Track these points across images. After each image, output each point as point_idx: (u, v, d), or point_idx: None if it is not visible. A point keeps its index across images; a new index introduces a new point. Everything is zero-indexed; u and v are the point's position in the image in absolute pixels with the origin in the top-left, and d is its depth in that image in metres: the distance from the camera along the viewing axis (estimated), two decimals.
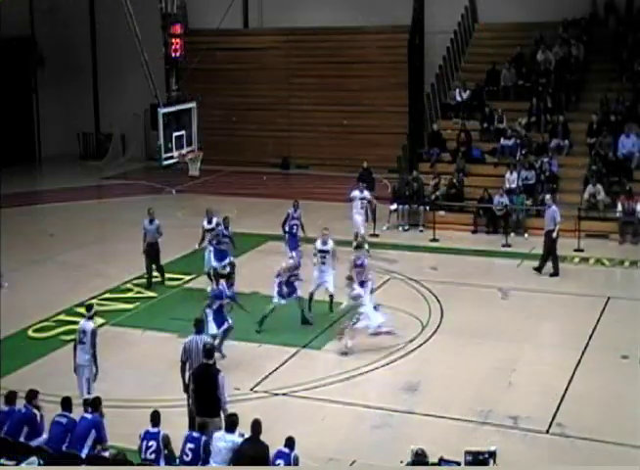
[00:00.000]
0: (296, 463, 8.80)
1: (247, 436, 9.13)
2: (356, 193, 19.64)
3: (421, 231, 21.14)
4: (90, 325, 11.69)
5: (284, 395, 12.52)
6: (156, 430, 9.25)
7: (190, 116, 20.59)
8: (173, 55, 20.72)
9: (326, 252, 15.61)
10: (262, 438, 9.07)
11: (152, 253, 17.32)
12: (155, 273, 17.47)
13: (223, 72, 29.13)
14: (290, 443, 8.94)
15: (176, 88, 20.88)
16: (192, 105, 20.73)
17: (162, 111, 19.61)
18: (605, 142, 21.84)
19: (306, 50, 28.90)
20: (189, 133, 20.43)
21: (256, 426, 9.07)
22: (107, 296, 16.75)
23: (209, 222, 17.08)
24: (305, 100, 28.65)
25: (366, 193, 19.73)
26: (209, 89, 28.18)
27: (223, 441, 9.14)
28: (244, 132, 29.01)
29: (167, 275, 17.69)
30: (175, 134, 19.93)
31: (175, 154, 20.00)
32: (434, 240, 20.26)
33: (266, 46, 29.64)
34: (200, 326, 11.53)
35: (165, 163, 20.08)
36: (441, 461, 9.43)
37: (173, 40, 20.73)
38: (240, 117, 29.06)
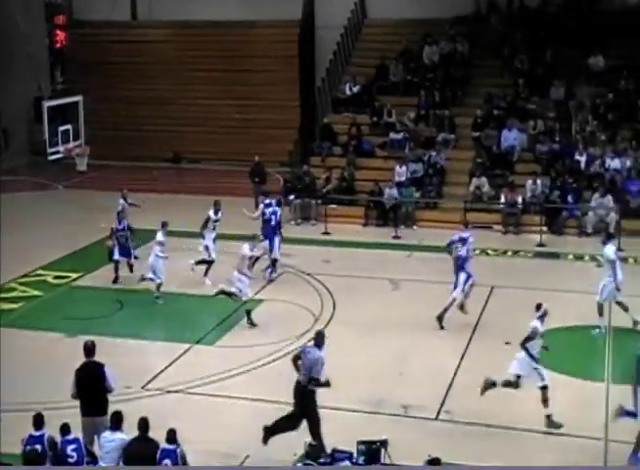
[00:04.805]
0: (183, 459, 8.71)
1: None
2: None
3: (313, 225, 21.33)
4: None
5: (177, 392, 12.41)
6: (39, 433, 8.97)
7: (76, 109, 20.10)
8: (57, 46, 20.14)
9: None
10: (156, 436, 8.97)
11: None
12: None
13: (113, 66, 28.50)
14: (171, 436, 8.77)
15: (61, 81, 20.34)
16: (78, 98, 20.25)
17: (47, 104, 19.06)
18: (489, 136, 22.59)
19: (198, 44, 28.61)
20: (75, 127, 19.94)
21: (143, 424, 8.94)
22: None
23: (216, 213, 16.89)
24: (197, 94, 28.35)
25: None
26: (99, 83, 27.56)
27: (110, 440, 8.99)
28: (134, 127, 28.44)
29: (54, 273, 17.24)
30: (61, 128, 19.42)
31: (61, 148, 19.49)
32: (326, 233, 20.47)
33: (157, 39, 29.20)
34: (320, 340, 10.73)
35: (51, 157, 19.55)
36: (334, 452, 9.59)
37: (57, 31, 20.15)
38: (130, 111, 28.50)
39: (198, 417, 11.66)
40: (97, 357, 10.20)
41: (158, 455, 8.68)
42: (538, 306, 11.77)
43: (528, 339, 11.42)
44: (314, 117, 25.95)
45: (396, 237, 20.35)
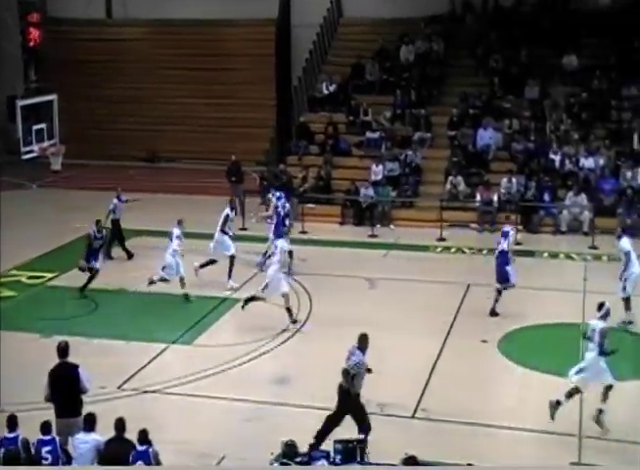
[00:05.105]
0: (155, 459, 8.67)
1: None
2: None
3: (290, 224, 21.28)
4: None
5: (153, 392, 12.36)
6: (13, 435, 8.89)
7: (51, 108, 19.94)
8: (31, 44, 19.96)
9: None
10: (133, 437, 8.92)
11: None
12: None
13: (88, 64, 28.32)
14: (142, 436, 8.72)
15: (35, 79, 20.17)
16: (52, 97, 20.07)
17: (21, 103, 18.90)
18: (464, 135, 22.71)
19: (174, 42, 28.52)
20: (50, 126, 19.78)
21: (120, 424, 8.91)
22: None
23: (232, 210, 16.94)
24: (173, 93, 28.23)
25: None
26: (73, 81, 27.37)
27: (84, 441, 8.94)
28: (109, 125, 28.27)
29: (28, 273, 17.10)
30: (35, 127, 19.26)
31: (35, 148, 19.33)
32: (303, 232, 20.46)
33: (132, 38, 29.07)
34: (363, 342, 10.57)
35: (26, 157, 19.39)
36: (312, 451, 9.60)
37: (31, 29, 19.97)
38: (105, 109, 28.32)
39: (174, 417, 11.64)
40: (73, 358, 10.13)
41: (130, 458, 8.63)
42: (600, 306, 11.52)
43: (603, 339, 11.10)
44: (291, 116, 25.95)
45: (373, 236, 20.40)
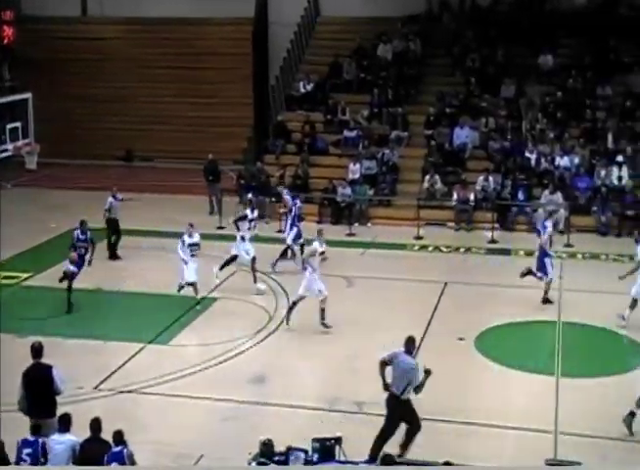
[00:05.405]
0: (130, 460, 8.62)
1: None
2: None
3: (267, 223, 21.27)
4: None
5: (130, 392, 12.30)
6: None
7: (26, 107, 19.76)
8: (4, 42, 19.76)
9: (195, 245, 15.64)
10: (109, 437, 8.87)
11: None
12: None
13: (63, 62, 28.09)
14: (117, 437, 8.67)
15: (9, 78, 19.97)
16: (27, 95, 19.89)
17: None
18: (441, 134, 22.80)
19: (150, 41, 28.37)
20: (25, 125, 19.60)
21: (95, 425, 8.86)
22: None
23: (252, 211, 16.81)
24: (149, 92, 28.10)
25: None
26: (49, 80, 27.14)
27: (59, 442, 8.88)
28: (86, 124, 28.08)
29: (3, 273, 16.95)
30: (9, 126, 19.09)
31: (10, 147, 19.15)
32: (281, 231, 20.42)
33: (108, 36, 28.89)
34: (411, 345, 10.44)
35: (0, 156, 19.21)
36: (289, 450, 9.59)
37: (4, 27, 19.77)
38: (82, 108, 28.12)
39: (151, 417, 11.59)
40: (48, 358, 10.07)
41: (105, 459, 8.57)
42: None
43: None
44: (268, 115, 25.90)
45: (350, 234, 20.43)
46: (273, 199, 21.58)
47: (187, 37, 28.06)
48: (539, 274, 15.64)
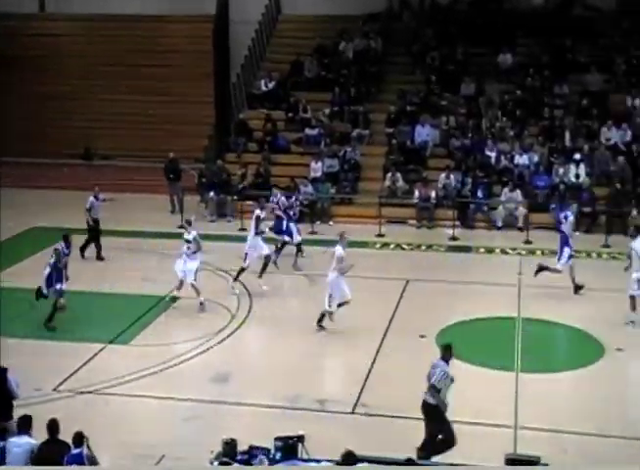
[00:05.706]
0: (90, 461, 8.52)
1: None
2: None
3: (229, 221, 21.22)
4: None
5: (90, 393, 12.17)
6: None
7: None
8: None
9: (187, 241, 15.53)
10: (69, 439, 8.77)
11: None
12: None
13: (20, 59, 27.63)
14: (76, 439, 8.55)
15: None
16: None
17: None
18: (402, 132, 22.91)
19: (110, 38, 28.02)
20: None
21: (53, 426, 8.75)
22: None
23: (262, 210, 16.71)
24: (109, 89, 27.75)
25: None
26: (4, 76, 26.70)
27: (17, 445, 8.75)
28: (43, 122, 27.65)
29: None
30: None
31: None
32: (243, 230, 20.36)
33: (66, 32, 28.51)
34: (447, 353, 10.29)
35: None
36: (252, 448, 9.56)
37: None
38: (39, 106, 27.71)
39: (112, 418, 11.47)
40: (5, 360, 9.93)
41: (65, 461, 8.47)
42: None
43: None
44: (229, 113, 25.79)
45: (312, 232, 20.43)
46: (235, 197, 21.49)
47: (148, 35, 27.83)
48: (556, 265, 15.84)
